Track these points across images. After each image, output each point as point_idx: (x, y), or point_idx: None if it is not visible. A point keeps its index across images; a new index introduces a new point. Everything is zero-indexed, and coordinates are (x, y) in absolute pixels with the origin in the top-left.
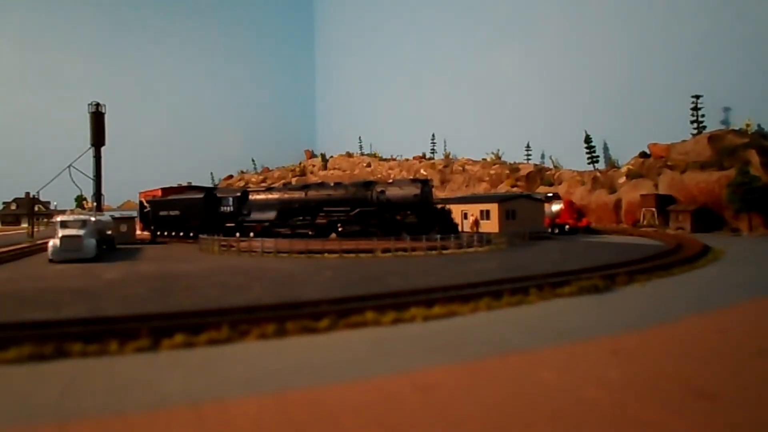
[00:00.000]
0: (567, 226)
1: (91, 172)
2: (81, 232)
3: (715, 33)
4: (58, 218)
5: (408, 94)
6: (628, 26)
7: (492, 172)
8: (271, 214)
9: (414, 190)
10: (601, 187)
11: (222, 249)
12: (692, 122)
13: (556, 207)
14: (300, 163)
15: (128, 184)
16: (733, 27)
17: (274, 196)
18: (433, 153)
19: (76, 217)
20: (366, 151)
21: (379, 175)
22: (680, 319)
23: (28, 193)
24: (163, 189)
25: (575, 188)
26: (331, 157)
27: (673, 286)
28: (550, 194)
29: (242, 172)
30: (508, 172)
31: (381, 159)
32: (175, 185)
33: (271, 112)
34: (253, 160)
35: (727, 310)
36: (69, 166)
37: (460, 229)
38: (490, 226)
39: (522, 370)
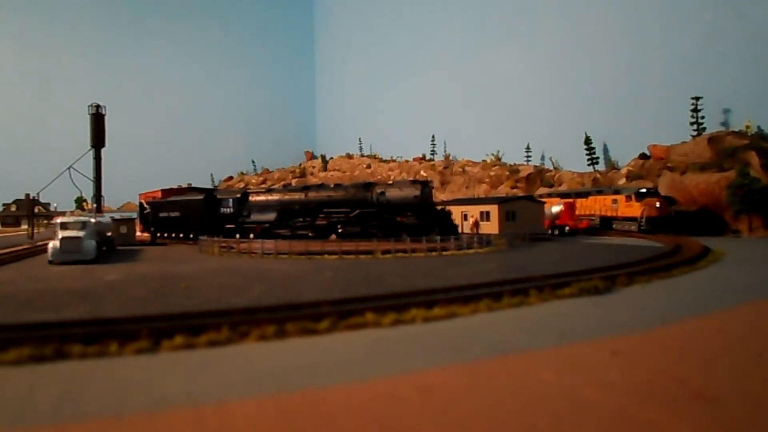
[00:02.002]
0: (567, 228)
1: (91, 174)
2: (81, 233)
3: (714, 34)
4: (58, 220)
5: (408, 95)
6: (628, 27)
7: (492, 173)
8: (271, 216)
9: (414, 192)
10: None
11: (222, 250)
12: (692, 124)
13: (556, 208)
14: (300, 165)
15: (128, 186)
16: (732, 28)
17: (274, 197)
18: (433, 154)
19: (76, 218)
20: (366, 152)
21: (379, 177)
22: (680, 321)
23: (28, 195)
24: (163, 190)
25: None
26: (331, 158)
27: (674, 288)
28: (644, 189)
29: (242, 173)
30: (508, 173)
31: (381, 160)
32: (175, 186)
33: (271, 113)
34: (253, 162)
35: (727, 311)
36: (69, 168)
37: (460, 230)
38: (490, 227)
39: (522, 371)
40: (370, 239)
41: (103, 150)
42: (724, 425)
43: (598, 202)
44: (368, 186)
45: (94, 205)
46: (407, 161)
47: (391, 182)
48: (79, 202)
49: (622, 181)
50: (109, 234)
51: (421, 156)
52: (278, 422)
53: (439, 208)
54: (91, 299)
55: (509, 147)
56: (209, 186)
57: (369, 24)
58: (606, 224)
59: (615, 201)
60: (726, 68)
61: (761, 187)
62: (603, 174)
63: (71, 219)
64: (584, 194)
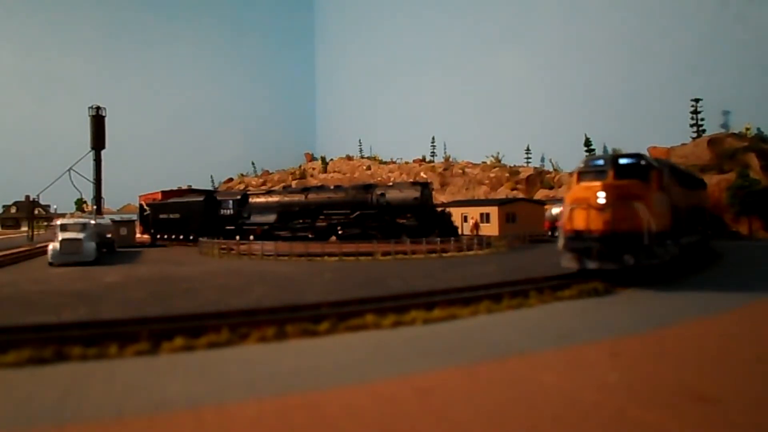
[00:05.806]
0: None
1: (91, 176)
2: (81, 235)
3: (714, 37)
4: (58, 221)
5: (408, 96)
6: (628, 29)
7: (492, 175)
8: (271, 217)
9: (414, 193)
10: None
11: (222, 252)
12: (692, 125)
13: (556, 210)
14: (300, 166)
15: (128, 188)
16: (732, 31)
17: (274, 199)
18: (433, 156)
19: (76, 220)
20: (366, 154)
21: (379, 178)
22: (680, 323)
23: (28, 196)
24: (163, 192)
25: None
26: (331, 160)
27: (673, 290)
28: (597, 162)
29: (242, 175)
30: (508, 175)
31: (381, 162)
32: (175, 188)
33: (271, 115)
34: (253, 163)
35: (727, 313)
36: (69, 170)
37: (460, 232)
38: (490, 229)
39: (522, 373)
40: (370, 241)
41: (103, 152)
42: (724, 427)
43: None
44: (368, 188)
45: (94, 207)
46: (407, 163)
47: (391, 184)
48: (79, 203)
49: None
50: (109, 236)
51: (421, 158)
52: (278, 424)
53: (439, 209)
54: (90, 301)
55: (509, 149)
56: (209, 188)
57: (369, 25)
58: None
59: None
60: (726, 70)
61: (761, 189)
62: None
63: (71, 221)
64: None
